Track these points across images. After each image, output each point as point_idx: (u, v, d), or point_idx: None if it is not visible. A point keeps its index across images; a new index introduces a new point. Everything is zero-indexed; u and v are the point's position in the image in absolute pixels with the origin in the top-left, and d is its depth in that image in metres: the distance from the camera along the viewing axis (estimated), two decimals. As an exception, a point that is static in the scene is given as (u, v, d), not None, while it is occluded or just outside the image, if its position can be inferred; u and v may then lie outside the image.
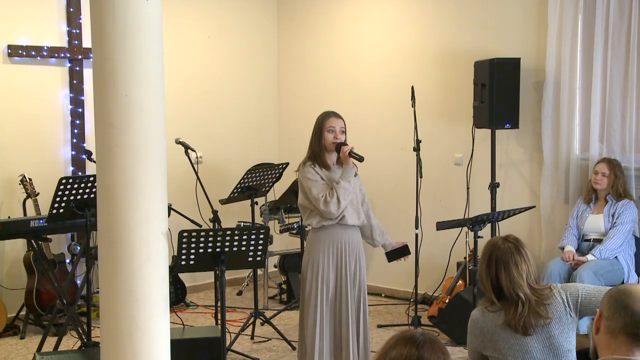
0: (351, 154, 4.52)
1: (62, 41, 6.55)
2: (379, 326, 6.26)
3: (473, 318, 3.30)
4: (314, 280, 4.52)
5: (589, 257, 5.54)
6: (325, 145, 4.56)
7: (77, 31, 6.57)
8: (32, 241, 5.63)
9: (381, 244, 4.83)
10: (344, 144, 4.57)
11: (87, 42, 6.53)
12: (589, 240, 5.72)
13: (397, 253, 4.87)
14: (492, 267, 3.22)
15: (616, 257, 5.54)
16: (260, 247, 4.42)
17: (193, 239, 4.25)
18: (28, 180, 6.10)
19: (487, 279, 3.24)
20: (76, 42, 6.57)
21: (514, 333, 3.16)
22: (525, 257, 3.25)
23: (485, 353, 3.23)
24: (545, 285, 3.30)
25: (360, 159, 4.54)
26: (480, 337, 3.23)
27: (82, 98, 6.62)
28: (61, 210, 5.12)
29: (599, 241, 5.66)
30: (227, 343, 5.38)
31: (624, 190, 5.65)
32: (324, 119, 4.60)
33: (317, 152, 4.56)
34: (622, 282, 5.48)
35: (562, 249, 5.74)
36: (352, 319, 4.53)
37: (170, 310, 3.72)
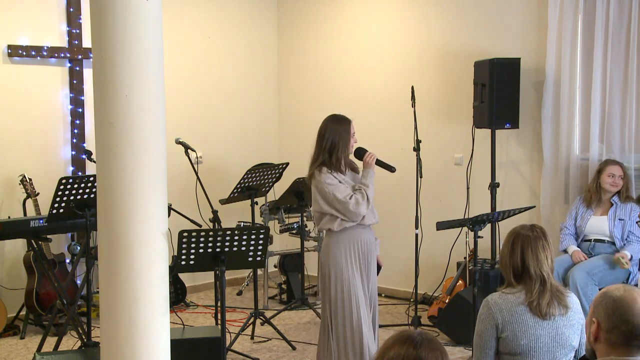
0: (379, 162, 4.66)
1: (62, 41, 6.55)
2: (379, 326, 6.25)
3: (491, 301, 3.29)
4: (339, 281, 4.51)
5: (627, 254, 5.45)
6: (350, 150, 4.63)
7: (77, 31, 6.57)
8: (32, 241, 5.62)
9: None
10: (365, 150, 4.67)
11: (87, 42, 6.53)
12: (589, 240, 5.71)
13: None
14: (517, 249, 3.28)
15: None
16: (260, 247, 4.42)
17: (193, 239, 4.25)
18: (28, 180, 6.10)
19: (511, 260, 3.29)
20: (76, 42, 6.57)
21: (532, 315, 3.21)
22: (550, 246, 3.33)
23: (502, 335, 3.24)
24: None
25: (391, 169, 4.72)
26: (500, 318, 3.24)
27: (82, 98, 6.62)
28: (61, 210, 5.12)
29: (601, 242, 5.65)
30: (227, 343, 5.38)
31: (629, 190, 5.65)
32: (349, 124, 4.61)
33: (340, 158, 4.56)
34: (624, 282, 5.47)
35: (565, 251, 5.73)
36: (370, 317, 4.63)
37: (170, 310, 3.72)
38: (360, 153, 4.67)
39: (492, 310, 3.26)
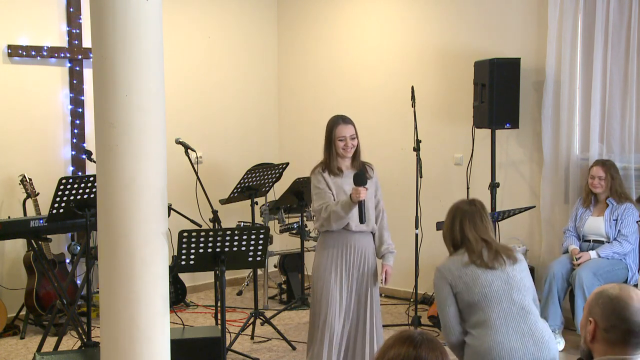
0: (360, 206, 4.27)
1: (62, 41, 6.55)
2: (379, 326, 6.26)
3: (441, 267, 3.63)
4: (320, 285, 4.50)
5: (592, 254, 5.54)
6: (337, 153, 4.51)
7: (77, 31, 6.57)
8: (32, 241, 5.62)
9: (379, 256, 4.69)
10: (362, 181, 4.26)
11: (87, 42, 6.53)
12: (588, 241, 5.73)
13: None
14: (456, 222, 3.63)
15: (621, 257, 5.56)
16: (260, 247, 4.42)
17: (193, 239, 4.24)
18: (28, 180, 6.10)
19: (451, 233, 3.64)
20: (76, 42, 6.57)
21: (478, 267, 3.53)
22: (489, 218, 3.66)
23: (456, 290, 3.56)
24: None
25: (361, 219, 4.32)
26: (450, 277, 3.57)
27: (82, 98, 6.62)
28: (61, 210, 5.12)
29: (599, 242, 5.66)
30: (227, 343, 5.38)
31: (622, 190, 5.65)
32: (333, 127, 4.52)
33: (328, 160, 4.52)
34: (625, 282, 5.48)
35: (567, 252, 5.74)
36: (361, 324, 4.50)
37: (170, 310, 3.72)
38: (356, 181, 4.29)
39: (442, 272, 3.60)
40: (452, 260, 3.61)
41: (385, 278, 4.61)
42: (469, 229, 3.58)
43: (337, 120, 4.53)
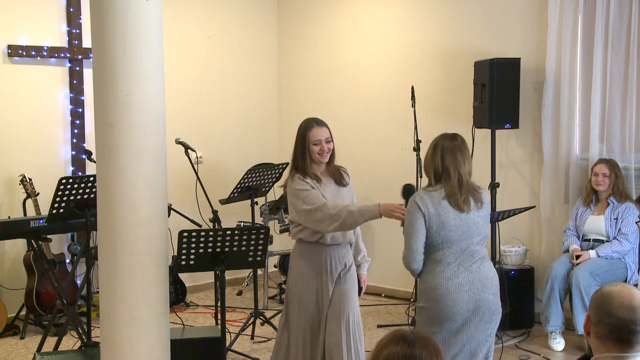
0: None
1: (62, 41, 6.55)
2: (379, 326, 6.26)
3: (418, 197, 3.71)
4: (290, 300, 4.22)
5: (591, 253, 5.55)
6: (312, 158, 4.10)
7: (77, 31, 6.57)
8: (32, 241, 5.63)
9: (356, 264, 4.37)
10: (409, 194, 3.91)
11: (87, 42, 6.53)
12: (588, 240, 5.73)
13: None
14: (437, 153, 3.79)
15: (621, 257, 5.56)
16: (260, 247, 4.41)
17: (193, 239, 4.24)
18: (28, 180, 6.10)
19: (432, 163, 3.79)
20: (76, 42, 6.57)
21: (453, 209, 3.69)
22: (468, 153, 3.84)
23: (428, 226, 3.69)
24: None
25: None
26: (427, 211, 3.67)
27: (82, 98, 6.62)
28: (61, 210, 5.12)
29: (599, 241, 5.66)
30: (227, 343, 5.38)
31: (624, 189, 5.66)
32: (306, 130, 4.11)
33: (303, 167, 4.10)
34: (624, 282, 5.48)
35: (567, 251, 5.75)
36: (337, 342, 4.07)
37: (170, 310, 3.73)
38: (406, 194, 3.97)
39: (419, 204, 3.68)
40: (429, 194, 3.71)
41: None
42: (450, 161, 3.74)
43: (310, 123, 4.14)
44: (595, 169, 5.71)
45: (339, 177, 4.23)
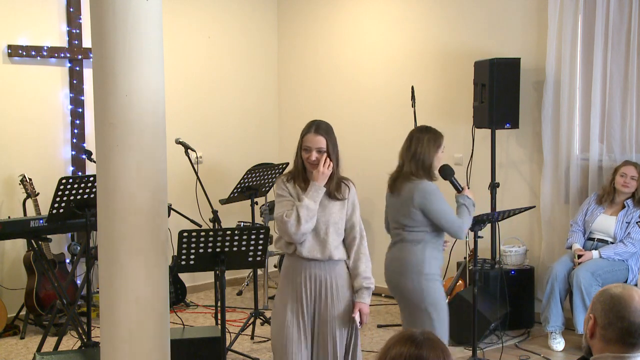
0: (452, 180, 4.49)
1: (62, 41, 6.55)
2: (379, 326, 6.26)
3: (435, 187, 4.34)
4: (275, 316, 3.98)
5: (594, 253, 5.53)
6: (304, 162, 3.80)
7: (77, 31, 6.57)
8: (32, 241, 5.63)
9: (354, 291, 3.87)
10: (449, 172, 4.26)
11: (87, 42, 6.53)
12: (592, 239, 5.71)
13: None
14: (409, 144, 4.53)
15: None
16: (260, 247, 4.41)
17: (193, 239, 4.24)
18: (28, 180, 6.10)
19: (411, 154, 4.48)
20: (76, 42, 6.57)
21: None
22: (435, 143, 4.42)
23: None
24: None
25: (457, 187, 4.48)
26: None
27: (82, 98, 6.62)
28: (61, 210, 5.12)
29: (603, 242, 5.65)
30: (227, 343, 5.38)
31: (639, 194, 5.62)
32: (304, 132, 3.82)
33: (295, 168, 3.84)
34: (625, 282, 5.47)
35: (570, 248, 5.74)
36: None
37: (170, 310, 3.72)
38: (445, 173, 4.40)
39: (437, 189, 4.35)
40: (434, 184, 4.32)
41: (361, 319, 3.82)
42: (425, 150, 4.41)
43: (309, 127, 3.79)
44: (623, 170, 5.61)
45: (335, 189, 3.80)
